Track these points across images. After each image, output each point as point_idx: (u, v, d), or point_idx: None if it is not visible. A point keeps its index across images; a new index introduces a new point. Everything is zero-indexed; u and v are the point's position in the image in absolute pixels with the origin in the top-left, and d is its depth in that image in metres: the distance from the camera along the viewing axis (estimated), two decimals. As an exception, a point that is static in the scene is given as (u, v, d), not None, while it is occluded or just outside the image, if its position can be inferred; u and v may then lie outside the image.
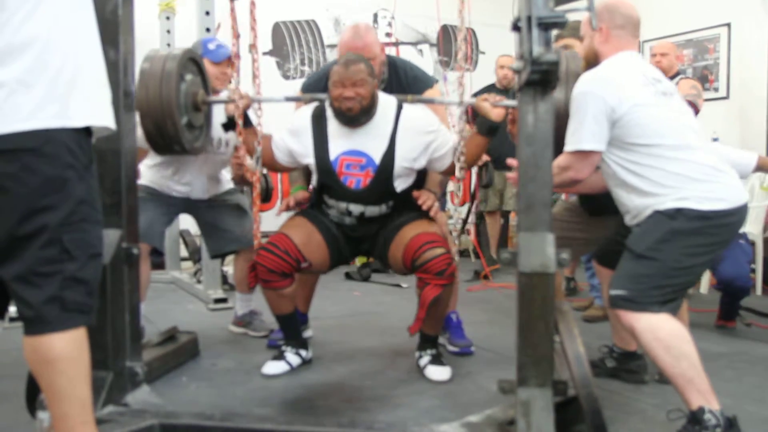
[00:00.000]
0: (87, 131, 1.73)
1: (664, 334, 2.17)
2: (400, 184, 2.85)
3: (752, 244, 4.97)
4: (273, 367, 2.91)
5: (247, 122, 2.89)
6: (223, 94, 3.20)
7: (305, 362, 3.01)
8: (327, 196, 2.94)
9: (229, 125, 2.91)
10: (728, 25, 5.87)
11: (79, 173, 1.69)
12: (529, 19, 1.74)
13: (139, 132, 2.86)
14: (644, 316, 2.19)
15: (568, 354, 1.91)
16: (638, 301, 2.21)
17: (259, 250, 2.82)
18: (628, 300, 2.22)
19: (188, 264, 5.61)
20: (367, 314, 4.24)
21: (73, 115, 1.67)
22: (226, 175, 3.60)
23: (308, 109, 2.91)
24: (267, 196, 4.94)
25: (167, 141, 2.72)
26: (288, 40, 6.66)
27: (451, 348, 3.28)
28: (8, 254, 1.64)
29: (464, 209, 6.18)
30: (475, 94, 5.63)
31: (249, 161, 2.91)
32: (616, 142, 2.33)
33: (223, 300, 4.32)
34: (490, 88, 5.79)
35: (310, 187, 3.15)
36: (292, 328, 3.01)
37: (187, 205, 3.49)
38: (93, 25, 1.79)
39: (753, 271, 5.07)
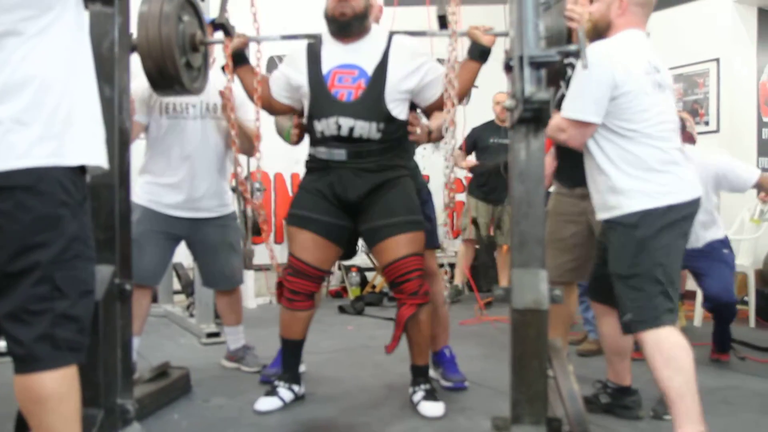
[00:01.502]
0: (81, 169, 1.74)
1: (668, 345, 2.26)
2: (393, 108, 2.81)
3: (744, 276, 5.01)
4: (266, 404, 2.88)
5: (244, 59, 2.94)
6: (218, 35, 3.12)
7: (298, 398, 2.99)
8: (317, 118, 2.82)
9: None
10: (717, 60, 5.94)
11: (73, 210, 1.69)
12: (521, 58, 1.77)
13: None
14: (653, 330, 2.29)
15: (562, 391, 1.91)
16: (646, 319, 2.30)
17: (287, 275, 2.88)
18: (638, 321, 2.32)
19: (181, 297, 5.58)
20: (361, 348, 4.22)
21: (68, 153, 1.67)
22: (226, 187, 3.47)
23: (305, 41, 2.95)
24: (259, 230, 4.97)
25: (168, 80, 2.73)
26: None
27: (444, 383, 3.26)
28: (0, 292, 1.64)
29: (457, 241, 6.20)
30: (474, 129, 5.70)
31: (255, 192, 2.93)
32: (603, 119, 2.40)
33: (216, 334, 4.29)
34: (489, 125, 5.86)
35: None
36: (293, 358, 3.00)
37: (186, 228, 3.32)
38: (89, 63, 1.81)
39: (745, 303, 5.08)
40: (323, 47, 2.87)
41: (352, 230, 2.94)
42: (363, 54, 2.82)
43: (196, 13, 2.93)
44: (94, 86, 1.81)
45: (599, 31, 2.51)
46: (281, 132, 3.17)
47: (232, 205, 3.53)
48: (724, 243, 3.88)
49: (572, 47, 2.13)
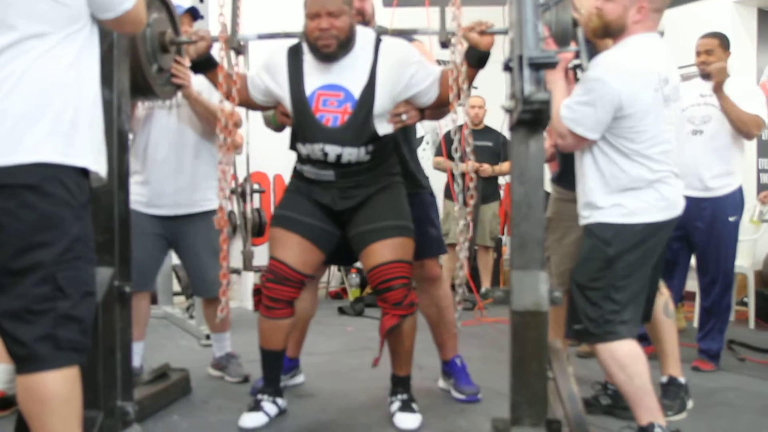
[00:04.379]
0: (85, 172, 1.76)
1: (621, 354, 2.32)
2: (381, 127, 2.65)
3: (743, 277, 5.01)
4: (250, 420, 2.74)
5: (211, 64, 2.70)
6: (197, 25, 3.04)
7: (282, 412, 2.86)
8: (301, 142, 2.68)
9: (196, 67, 2.75)
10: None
11: (76, 212, 1.71)
12: (520, 58, 1.77)
13: None
14: (605, 344, 2.34)
15: (561, 393, 1.91)
16: (597, 333, 2.34)
17: (265, 281, 2.73)
18: (590, 334, 2.36)
19: (181, 299, 5.58)
20: (360, 350, 4.21)
21: (74, 153, 1.71)
22: (209, 180, 3.29)
23: (281, 47, 2.74)
24: (260, 230, 4.95)
25: (140, 90, 2.61)
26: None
27: (456, 395, 3.13)
28: (1, 289, 1.65)
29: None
30: (446, 134, 5.64)
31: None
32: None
33: (213, 336, 4.29)
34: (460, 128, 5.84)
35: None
36: (275, 369, 2.85)
37: (169, 228, 3.23)
38: (97, 76, 1.85)
39: (745, 304, 5.08)
40: (305, 62, 2.66)
41: (341, 237, 2.82)
42: (348, 73, 2.62)
43: (165, 6, 2.74)
44: (99, 98, 1.85)
45: (611, 32, 2.44)
46: (267, 120, 3.11)
47: (215, 201, 3.31)
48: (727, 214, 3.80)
49: (572, 48, 2.14)
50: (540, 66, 1.77)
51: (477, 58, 2.56)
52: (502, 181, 6.37)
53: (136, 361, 3.11)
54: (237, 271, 5.86)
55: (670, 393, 2.90)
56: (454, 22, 2.52)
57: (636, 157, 2.35)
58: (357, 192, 2.73)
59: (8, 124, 1.62)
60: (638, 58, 2.37)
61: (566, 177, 3.07)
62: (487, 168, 5.82)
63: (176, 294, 5.56)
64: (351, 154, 2.64)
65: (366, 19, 2.98)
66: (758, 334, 4.62)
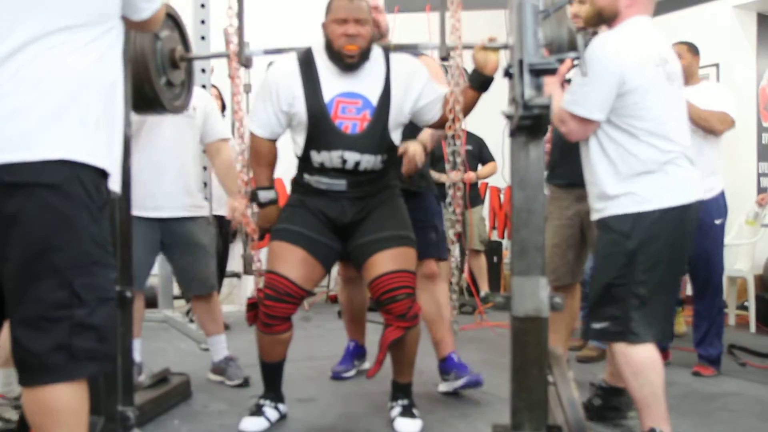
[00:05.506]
0: (104, 174, 1.72)
1: (637, 359, 2.29)
2: (394, 136, 2.70)
3: (743, 281, 5.01)
4: (251, 424, 2.74)
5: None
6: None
7: (283, 417, 2.86)
8: (317, 150, 2.65)
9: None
10: (717, 65, 5.95)
11: (94, 215, 1.66)
12: (520, 63, 1.77)
13: None
14: (624, 344, 2.30)
15: (562, 398, 1.91)
16: (621, 331, 2.30)
17: (264, 299, 2.66)
18: (612, 333, 2.32)
19: (181, 303, 5.58)
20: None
21: (98, 154, 1.67)
22: (200, 187, 3.44)
23: (290, 56, 2.72)
24: (261, 235, 4.95)
25: (147, 102, 2.66)
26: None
27: (459, 383, 3.13)
28: (16, 295, 1.60)
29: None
30: None
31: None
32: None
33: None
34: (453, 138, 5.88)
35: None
36: (276, 378, 2.86)
37: (160, 229, 3.26)
38: (122, 73, 1.83)
39: (745, 309, 5.08)
40: (320, 70, 2.65)
41: (338, 251, 2.81)
42: (365, 81, 2.64)
43: (177, 25, 2.85)
44: (122, 103, 1.83)
45: (605, 18, 2.43)
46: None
47: (206, 209, 3.50)
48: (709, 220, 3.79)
49: (572, 54, 2.15)
50: (540, 72, 1.77)
51: (480, 82, 2.58)
52: (496, 183, 6.43)
53: (136, 357, 3.14)
54: (237, 275, 5.87)
55: None
56: (453, 35, 2.54)
57: (645, 138, 2.28)
58: (363, 203, 2.73)
59: (33, 118, 1.57)
60: (635, 36, 2.35)
61: (562, 170, 3.06)
62: (472, 176, 5.85)
63: (176, 298, 5.55)
64: (369, 161, 2.66)
65: (381, 32, 3.06)
66: (759, 339, 4.62)
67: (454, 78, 2.58)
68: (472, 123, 5.89)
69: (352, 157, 2.63)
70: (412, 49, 2.89)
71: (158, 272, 4.76)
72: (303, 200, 2.76)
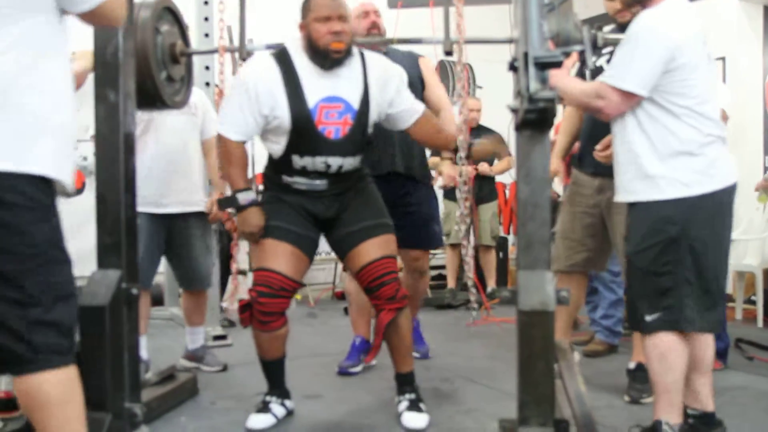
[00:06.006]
0: (46, 181, 1.69)
1: (664, 346, 2.27)
2: (369, 131, 2.72)
3: (752, 276, 4.99)
4: (259, 421, 2.73)
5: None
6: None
7: (289, 413, 2.86)
8: (299, 155, 2.64)
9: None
10: (723, 58, 5.93)
11: (39, 215, 1.66)
12: (525, 56, 1.77)
13: None
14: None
15: (569, 392, 1.91)
16: (675, 319, 2.26)
17: (257, 297, 2.63)
18: (666, 321, 2.27)
19: (187, 300, 5.58)
20: (367, 351, 4.21)
21: (32, 161, 1.64)
22: (201, 187, 3.49)
23: (266, 56, 2.67)
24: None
25: (148, 97, 2.65)
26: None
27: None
28: None
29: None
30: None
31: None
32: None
33: (223, 337, 4.30)
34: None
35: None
36: (279, 374, 2.85)
37: (168, 225, 3.34)
38: (64, 72, 1.76)
39: (753, 303, 5.06)
40: (300, 72, 2.60)
41: (318, 241, 2.82)
42: (344, 84, 2.62)
43: (177, 20, 2.84)
44: (67, 102, 1.75)
45: (638, 1, 2.37)
46: None
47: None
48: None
49: (577, 47, 2.14)
50: (545, 65, 1.77)
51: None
52: (501, 179, 6.41)
53: (143, 354, 3.20)
54: (243, 272, 5.87)
55: (639, 378, 2.98)
56: (456, 30, 2.58)
57: (686, 118, 2.24)
58: (342, 197, 2.76)
59: None
60: (681, 13, 2.30)
61: (591, 157, 3.03)
62: (485, 167, 5.84)
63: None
64: (351, 163, 2.70)
65: (381, 33, 3.15)
66: (766, 333, 4.60)
67: (458, 74, 2.60)
68: (483, 118, 5.95)
69: (335, 162, 2.65)
70: (416, 44, 2.92)
71: (165, 270, 4.76)
72: (280, 197, 2.75)
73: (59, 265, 1.71)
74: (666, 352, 2.27)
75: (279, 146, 2.66)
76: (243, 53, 2.72)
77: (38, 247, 1.65)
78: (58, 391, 1.67)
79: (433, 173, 4.08)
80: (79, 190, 5.60)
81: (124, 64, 2.24)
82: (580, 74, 3.10)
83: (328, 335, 4.46)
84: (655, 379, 2.31)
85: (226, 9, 2.85)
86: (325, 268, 6.33)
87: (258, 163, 4.82)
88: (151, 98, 2.69)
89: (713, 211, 2.27)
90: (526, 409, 1.80)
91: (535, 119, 1.76)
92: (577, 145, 3.34)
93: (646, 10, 2.32)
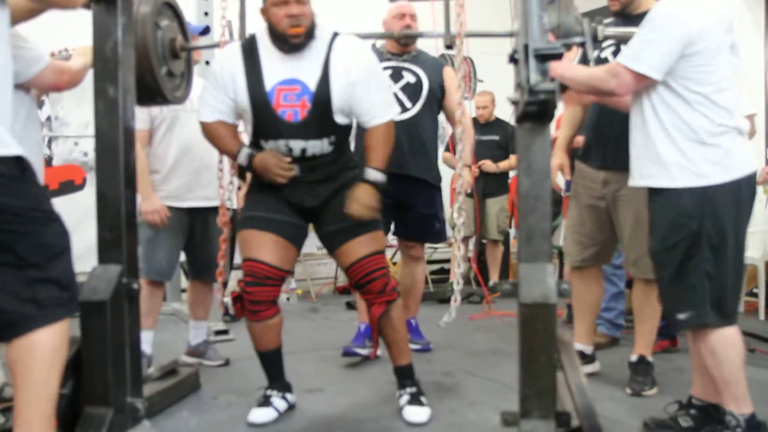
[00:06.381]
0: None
1: (714, 340, 2.26)
2: (339, 118, 2.66)
3: (754, 268, 4.99)
4: (260, 415, 2.73)
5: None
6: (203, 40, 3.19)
7: (291, 407, 2.86)
8: (264, 140, 2.67)
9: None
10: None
11: (11, 190, 1.72)
12: (525, 47, 1.76)
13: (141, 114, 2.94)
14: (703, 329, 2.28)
15: (570, 384, 1.90)
16: (702, 316, 2.26)
17: (245, 286, 2.66)
18: (695, 316, 2.27)
19: (189, 295, 5.58)
20: (369, 344, 4.22)
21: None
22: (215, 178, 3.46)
23: (234, 43, 2.74)
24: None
25: (148, 92, 2.66)
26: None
27: (411, 346, 3.13)
28: None
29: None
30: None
31: None
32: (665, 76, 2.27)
33: (225, 332, 4.30)
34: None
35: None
36: (277, 366, 2.85)
37: (191, 218, 3.44)
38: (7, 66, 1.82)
39: (755, 296, 5.06)
40: (262, 56, 2.62)
41: (306, 228, 2.83)
42: (304, 66, 2.60)
43: (177, 15, 2.86)
44: (7, 86, 1.81)
45: None
46: None
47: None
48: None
49: (577, 39, 2.13)
50: (545, 57, 1.76)
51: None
52: (512, 174, 6.38)
53: (147, 349, 3.22)
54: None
55: (640, 371, 2.99)
56: (456, 23, 2.59)
57: (697, 106, 2.23)
58: (323, 188, 2.73)
59: None
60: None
61: (597, 150, 3.02)
62: (489, 165, 5.83)
63: (184, 290, 5.56)
64: (315, 146, 2.66)
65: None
66: (768, 325, 4.61)
67: (459, 69, 2.61)
68: (499, 112, 5.94)
69: (296, 144, 2.64)
70: (417, 38, 2.94)
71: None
72: (263, 184, 2.74)
73: (44, 223, 1.79)
74: (716, 346, 2.26)
75: (248, 132, 2.74)
76: None
77: (15, 215, 1.72)
78: (52, 340, 1.75)
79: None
80: (80, 186, 5.61)
81: (124, 59, 2.23)
82: None
83: (330, 330, 4.46)
84: (712, 374, 2.30)
85: (228, 6, 2.87)
86: (327, 263, 6.32)
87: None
88: (152, 93, 2.69)
89: (731, 202, 2.25)
90: (527, 401, 1.80)
91: (535, 111, 1.76)
92: (577, 138, 3.34)
93: None
